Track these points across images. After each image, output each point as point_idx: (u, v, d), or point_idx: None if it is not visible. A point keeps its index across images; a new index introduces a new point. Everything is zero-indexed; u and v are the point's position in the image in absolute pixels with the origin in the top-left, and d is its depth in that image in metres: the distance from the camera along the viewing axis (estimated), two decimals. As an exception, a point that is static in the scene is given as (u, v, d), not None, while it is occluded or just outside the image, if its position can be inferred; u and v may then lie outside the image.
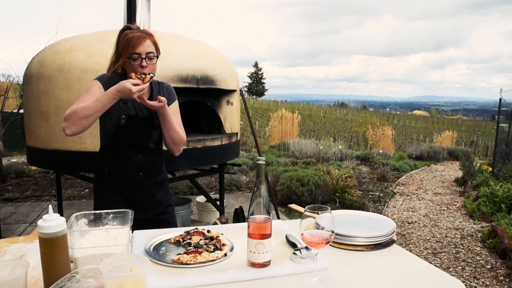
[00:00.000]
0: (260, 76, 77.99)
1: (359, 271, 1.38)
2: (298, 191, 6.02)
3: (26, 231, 4.70)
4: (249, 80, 76.71)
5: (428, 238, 4.95)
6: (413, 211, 6.23)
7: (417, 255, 1.68)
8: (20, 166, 7.83)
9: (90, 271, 1.12)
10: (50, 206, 1.22)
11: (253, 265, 1.33)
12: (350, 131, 23.02)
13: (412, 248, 4.57)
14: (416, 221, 5.64)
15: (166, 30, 4.22)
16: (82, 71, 3.20)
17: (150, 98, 1.99)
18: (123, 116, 1.95)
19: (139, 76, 1.81)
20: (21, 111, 7.70)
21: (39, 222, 1.15)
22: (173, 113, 2.02)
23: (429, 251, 4.51)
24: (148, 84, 1.83)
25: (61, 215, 1.19)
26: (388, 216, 4.63)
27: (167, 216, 2.20)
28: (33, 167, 7.67)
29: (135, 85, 1.76)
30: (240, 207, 4.56)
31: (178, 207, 4.39)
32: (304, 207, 2.64)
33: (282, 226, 1.74)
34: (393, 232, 1.64)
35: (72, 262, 1.24)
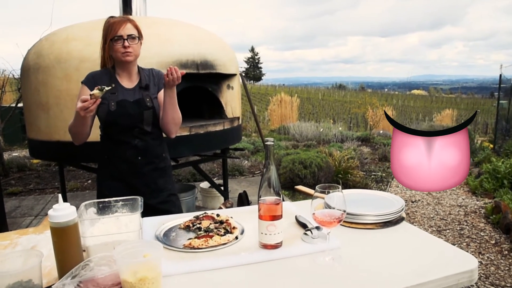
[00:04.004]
0: (257, 61, 77.32)
1: (370, 248, 1.38)
2: (301, 173, 6.02)
3: (32, 224, 4.71)
4: (246, 65, 76.08)
5: (432, 216, 4.97)
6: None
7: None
8: (22, 160, 7.82)
9: (103, 258, 1.13)
10: (59, 195, 1.21)
11: (265, 246, 1.33)
12: (349, 113, 22.96)
13: (416, 226, 4.59)
14: (419, 200, 5.66)
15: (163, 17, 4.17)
16: (81, 60, 3.16)
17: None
18: (113, 104, 1.99)
19: (92, 92, 1.75)
20: (20, 104, 7.65)
21: (50, 211, 1.14)
22: None
23: (434, 228, 4.54)
24: (96, 101, 1.77)
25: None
26: (392, 196, 4.64)
27: (170, 206, 2.19)
28: (35, 160, 7.66)
29: (84, 101, 1.74)
30: (244, 191, 4.56)
31: (182, 193, 4.39)
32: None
33: (290, 208, 1.74)
34: (402, 209, 1.64)
35: (84, 251, 1.24)
